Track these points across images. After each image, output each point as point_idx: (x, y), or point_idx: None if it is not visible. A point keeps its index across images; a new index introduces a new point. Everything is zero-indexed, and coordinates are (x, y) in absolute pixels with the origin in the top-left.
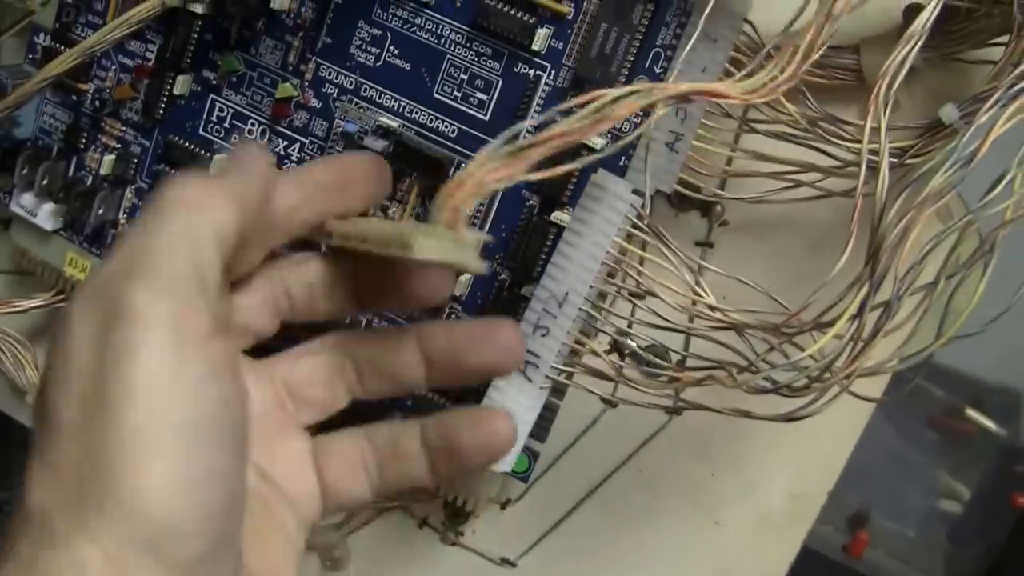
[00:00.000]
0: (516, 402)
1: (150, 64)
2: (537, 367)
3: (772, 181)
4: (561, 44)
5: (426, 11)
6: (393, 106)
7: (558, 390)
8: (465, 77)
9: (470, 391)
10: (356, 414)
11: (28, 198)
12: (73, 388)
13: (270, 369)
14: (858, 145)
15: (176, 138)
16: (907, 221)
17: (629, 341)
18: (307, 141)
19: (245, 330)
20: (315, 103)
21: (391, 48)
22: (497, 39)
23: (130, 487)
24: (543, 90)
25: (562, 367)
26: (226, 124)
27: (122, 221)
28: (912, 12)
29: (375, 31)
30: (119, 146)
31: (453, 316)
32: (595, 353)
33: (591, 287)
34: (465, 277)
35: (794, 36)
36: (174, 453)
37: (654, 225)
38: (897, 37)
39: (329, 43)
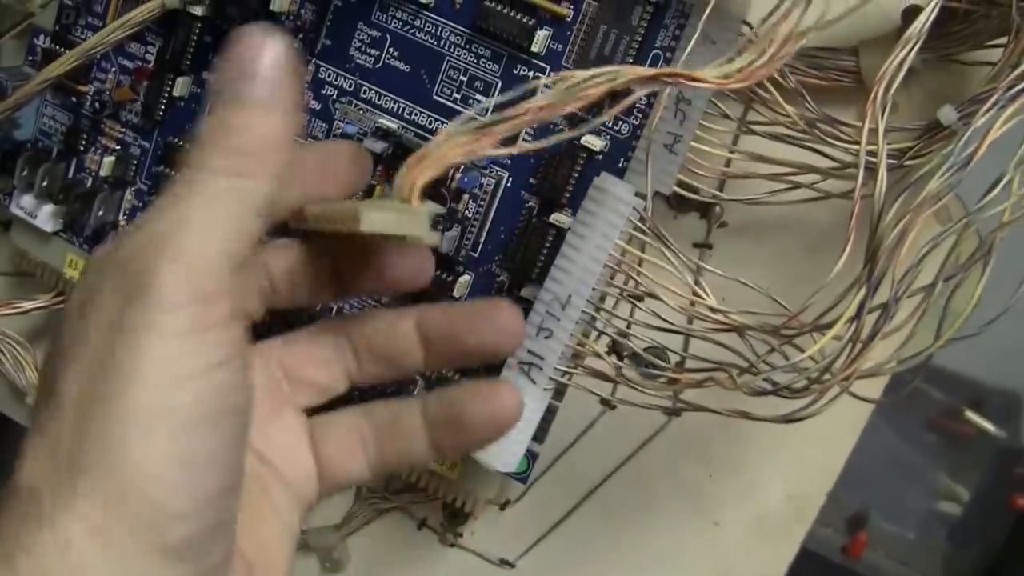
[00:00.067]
0: None
1: (150, 66)
2: (541, 369)
3: (771, 183)
4: (560, 46)
5: (425, 13)
6: (392, 108)
7: (557, 391)
8: (464, 79)
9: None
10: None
11: (28, 200)
12: (82, 362)
13: (267, 351)
14: (856, 147)
15: (176, 140)
16: (905, 223)
17: (628, 342)
18: (307, 142)
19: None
20: (314, 105)
21: (390, 50)
22: (496, 41)
23: (127, 464)
24: (543, 91)
25: (565, 369)
26: None
27: (122, 223)
28: (911, 14)
29: (374, 33)
30: (119, 148)
31: None
32: (597, 355)
33: (593, 289)
34: (464, 279)
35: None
36: (176, 435)
37: (655, 227)
38: (896, 39)
39: (328, 45)
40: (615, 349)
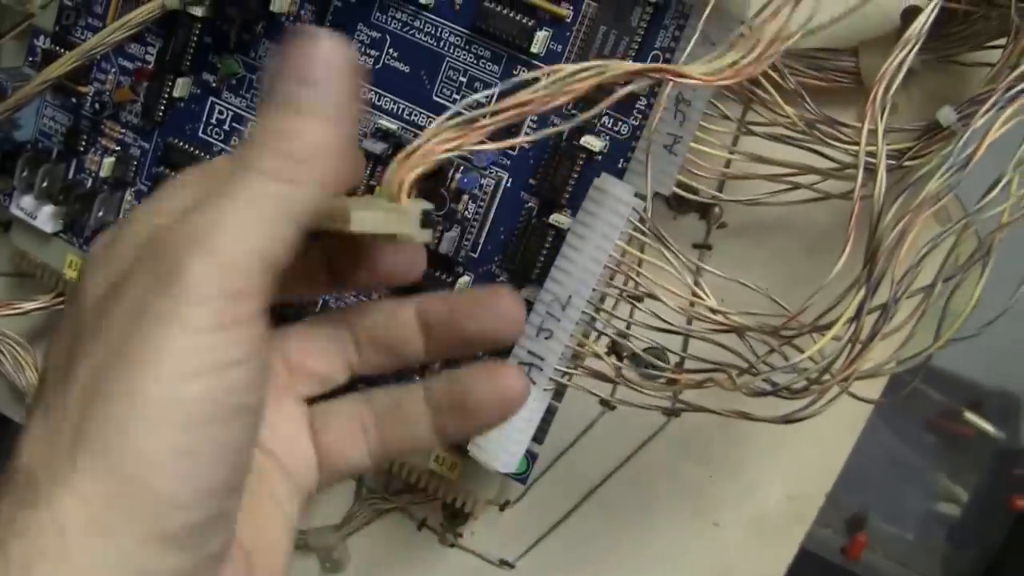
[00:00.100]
0: None
1: (150, 67)
2: (541, 369)
3: (770, 183)
4: (560, 47)
5: (425, 14)
6: (392, 108)
7: (557, 392)
8: (464, 80)
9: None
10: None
11: (28, 200)
12: (98, 344)
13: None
14: (856, 147)
15: (176, 141)
16: (905, 223)
17: (628, 343)
18: None
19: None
20: None
21: (390, 51)
22: (496, 42)
23: (131, 450)
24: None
25: (565, 369)
26: (226, 127)
27: None
28: (910, 15)
29: (374, 34)
30: (119, 148)
31: None
32: (597, 355)
33: (593, 290)
34: (463, 280)
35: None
36: (182, 428)
37: (655, 228)
38: (895, 40)
39: None
40: (615, 350)
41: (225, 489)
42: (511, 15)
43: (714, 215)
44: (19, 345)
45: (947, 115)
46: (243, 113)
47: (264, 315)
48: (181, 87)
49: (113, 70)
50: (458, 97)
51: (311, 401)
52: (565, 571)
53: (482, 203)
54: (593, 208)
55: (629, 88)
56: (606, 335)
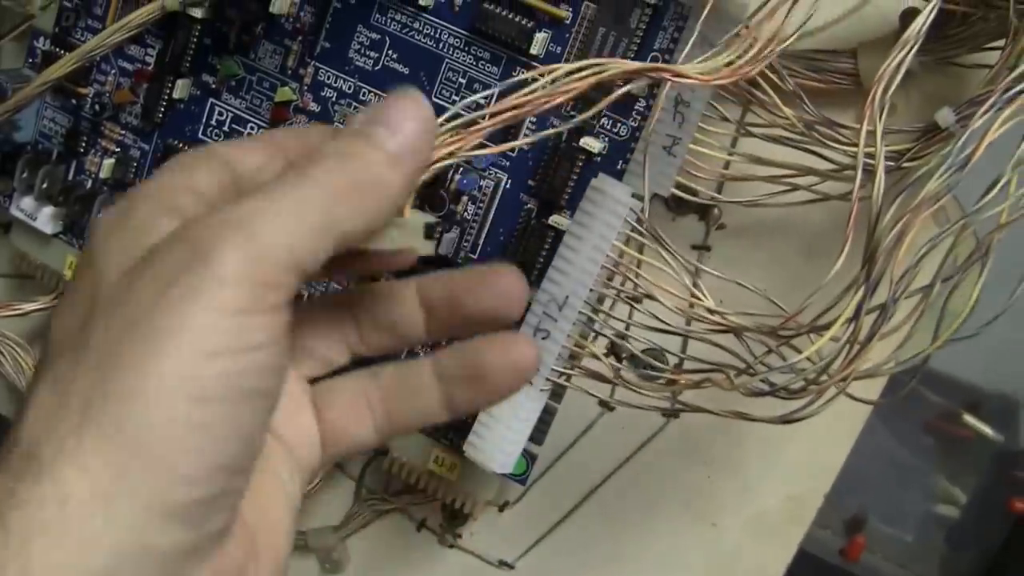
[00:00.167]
0: (516, 404)
1: (150, 68)
2: (537, 370)
3: (769, 185)
4: (559, 48)
5: (424, 15)
6: None
7: (556, 393)
8: (463, 81)
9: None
10: None
11: (28, 202)
12: (119, 316)
13: None
14: (855, 149)
15: (176, 142)
16: (903, 224)
17: (627, 344)
18: (290, 128)
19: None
20: (314, 107)
21: (390, 52)
22: (495, 43)
23: (143, 422)
24: (544, 85)
25: (562, 370)
26: (225, 128)
27: None
28: (909, 16)
29: (374, 35)
30: (119, 150)
31: None
32: (595, 356)
33: (591, 290)
34: None
35: (759, 23)
36: (200, 401)
37: (653, 229)
38: (894, 41)
39: (328, 47)
40: (614, 351)
41: (234, 467)
42: (510, 17)
43: (713, 216)
44: (19, 346)
45: (946, 116)
46: (243, 114)
47: (289, 307)
48: (181, 88)
49: (113, 71)
50: (457, 98)
51: (314, 380)
52: (564, 572)
53: (481, 204)
54: (590, 208)
55: (627, 88)
56: (605, 336)
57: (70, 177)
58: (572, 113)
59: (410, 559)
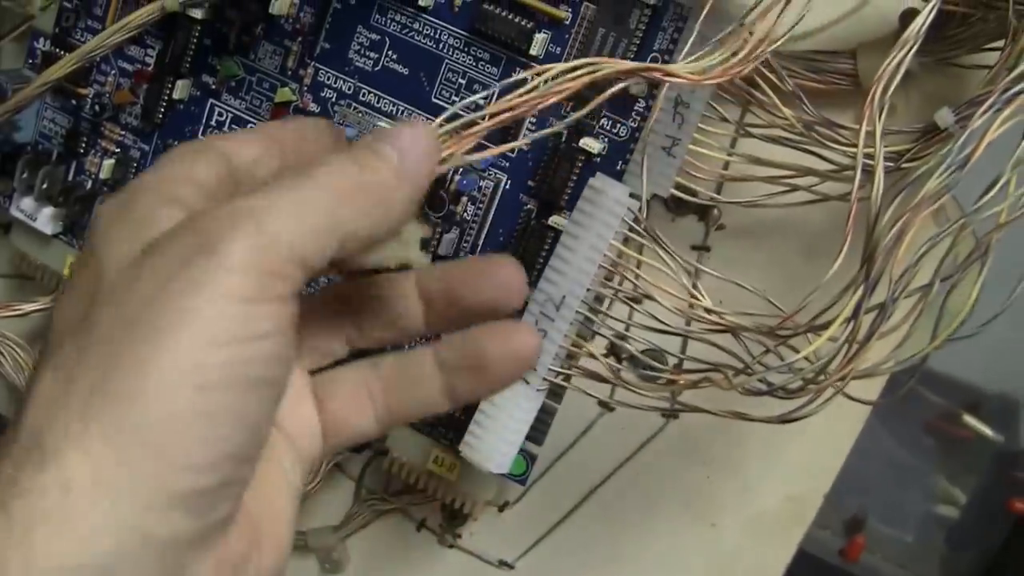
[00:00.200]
0: (513, 404)
1: (150, 69)
2: (534, 369)
3: (768, 185)
4: (559, 49)
5: (424, 16)
6: (391, 110)
7: (555, 393)
8: (463, 82)
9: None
10: None
11: (28, 202)
12: (128, 304)
13: None
14: (854, 149)
15: (176, 143)
16: (902, 223)
17: (627, 345)
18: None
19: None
20: (314, 107)
21: (389, 53)
22: (495, 44)
23: (151, 408)
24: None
25: (559, 369)
26: (225, 129)
27: None
28: (909, 17)
29: (374, 36)
30: (119, 150)
31: None
32: (592, 356)
33: (588, 290)
34: None
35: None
36: (206, 389)
37: (651, 229)
38: (893, 42)
39: (328, 48)
40: (614, 351)
41: (240, 456)
42: (510, 17)
43: (712, 217)
44: (19, 347)
45: (945, 117)
46: (243, 115)
47: (296, 298)
48: (181, 89)
49: (113, 72)
50: (457, 99)
51: (315, 371)
52: (564, 572)
53: (481, 205)
54: (588, 208)
55: (620, 86)
56: (604, 336)
57: (70, 178)
58: (570, 112)
59: (410, 559)
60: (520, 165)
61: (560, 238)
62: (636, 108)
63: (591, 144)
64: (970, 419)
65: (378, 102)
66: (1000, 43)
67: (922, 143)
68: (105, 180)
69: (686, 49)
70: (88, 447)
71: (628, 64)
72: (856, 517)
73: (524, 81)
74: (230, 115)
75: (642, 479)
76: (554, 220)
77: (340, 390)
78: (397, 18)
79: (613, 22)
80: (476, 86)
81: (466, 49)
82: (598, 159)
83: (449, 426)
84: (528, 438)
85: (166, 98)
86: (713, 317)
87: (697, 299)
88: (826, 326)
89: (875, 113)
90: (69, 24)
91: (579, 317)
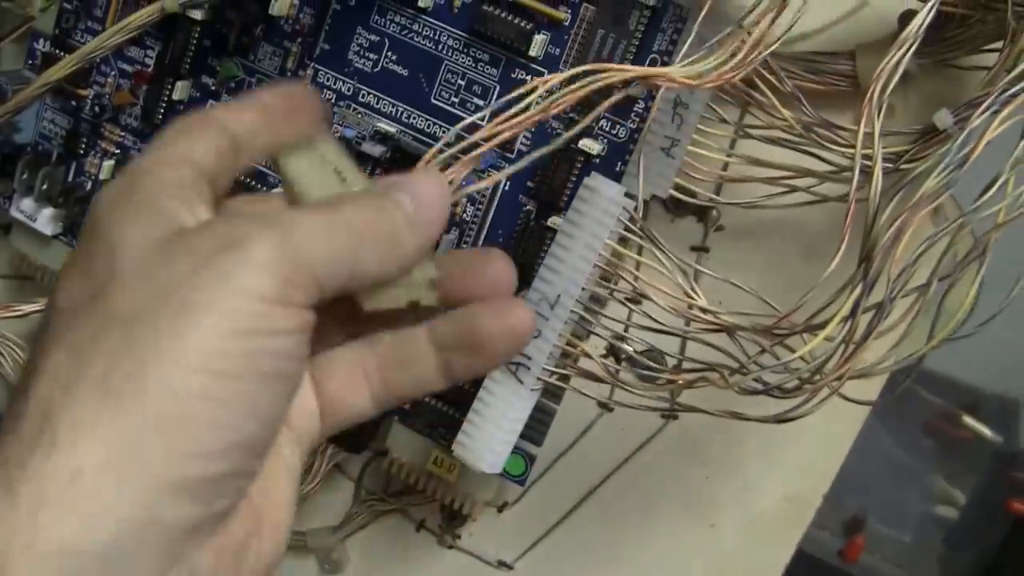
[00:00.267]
0: (507, 404)
1: (149, 70)
2: (528, 369)
3: (767, 186)
4: (558, 50)
5: (424, 17)
6: (391, 112)
7: (554, 394)
8: (463, 83)
9: (461, 398)
10: None
11: (28, 203)
12: (148, 291)
13: None
14: (853, 150)
15: None
16: (901, 222)
17: (625, 345)
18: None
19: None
20: None
21: (389, 54)
22: (494, 45)
23: (166, 391)
24: (540, 96)
25: (554, 369)
26: None
27: None
28: (907, 18)
29: (373, 37)
30: (118, 151)
31: None
32: (588, 355)
33: (583, 289)
34: None
35: (747, 27)
36: (222, 376)
37: (647, 228)
38: (892, 43)
39: (327, 49)
40: (612, 352)
41: (250, 447)
42: (509, 19)
43: (711, 218)
44: (19, 347)
45: (944, 118)
46: None
47: (312, 310)
48: (180, 90)
49: (113, 73)
50: (456, 100)
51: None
52: (563, 572)
53: (480, 206)
54: (583, 207)
55: (621, 95)
56: (602, 337)
57: (70, 179)
58: (572, 116)
59: (409, 560)
60: None
61: (555, 237)
62: (635, 109)
63: (590, 145)
64: (969, 419)
65: (377, 103)
66: (999, 44)
67: (921, 144)
68: (105, 181)
69: (684, 50)
70: (101, 430)
71: (626, 72)
72: (855, 517)
73: (525, 93)
74: None
75: (641, 480)
76: (553, 221)
77: (336, 370)
78: (396, 19)
79: (612, 23)
80: (475, 87)
81: (465, 50)
82: (597, 160)
83: (449, 427)
84: (527, 439)
85: (166, 99)
86: (709, 317)
87: (692, 298)
88: (823, 326)
89: (873, 111)
90: (69, 25)
91: (574, 316)
